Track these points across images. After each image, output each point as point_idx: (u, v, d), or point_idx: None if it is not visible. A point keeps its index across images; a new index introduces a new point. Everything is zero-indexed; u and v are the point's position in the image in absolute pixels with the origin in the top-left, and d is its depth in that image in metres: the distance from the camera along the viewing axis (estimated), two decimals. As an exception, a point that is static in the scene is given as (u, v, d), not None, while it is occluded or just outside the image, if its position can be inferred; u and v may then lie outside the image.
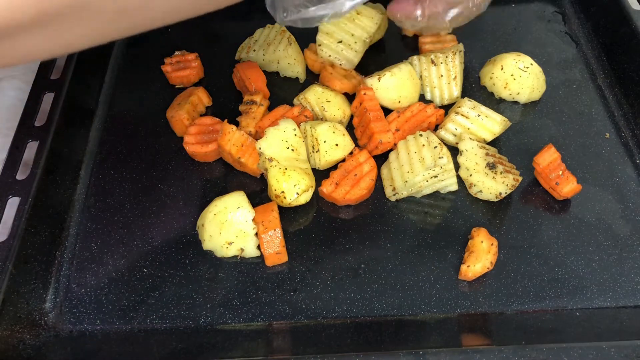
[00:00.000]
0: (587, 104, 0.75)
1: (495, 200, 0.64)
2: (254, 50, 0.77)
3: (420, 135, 0.64)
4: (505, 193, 0.63)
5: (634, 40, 0.74)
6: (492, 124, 0.67)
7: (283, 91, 0.75)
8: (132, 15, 0.36)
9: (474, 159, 0.64)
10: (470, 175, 0.64)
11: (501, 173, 0.63)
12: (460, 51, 0.73)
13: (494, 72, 0.74)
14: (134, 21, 0.38)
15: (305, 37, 0.76)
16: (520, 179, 0.63)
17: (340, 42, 0.73)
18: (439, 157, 0.61)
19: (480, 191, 0.64)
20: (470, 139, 0.66)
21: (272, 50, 0.76)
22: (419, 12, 0.59)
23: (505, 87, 0.73)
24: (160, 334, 0.56)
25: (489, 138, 0.68)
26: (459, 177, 0.65)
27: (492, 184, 0.63)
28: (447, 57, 0.72)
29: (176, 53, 0.78)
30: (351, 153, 0.66)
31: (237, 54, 0.79)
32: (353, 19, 0.73)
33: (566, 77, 0.77)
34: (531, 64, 0.73)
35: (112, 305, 0.58)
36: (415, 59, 0.73)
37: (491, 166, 0.63)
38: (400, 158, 0.64)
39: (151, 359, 0.54)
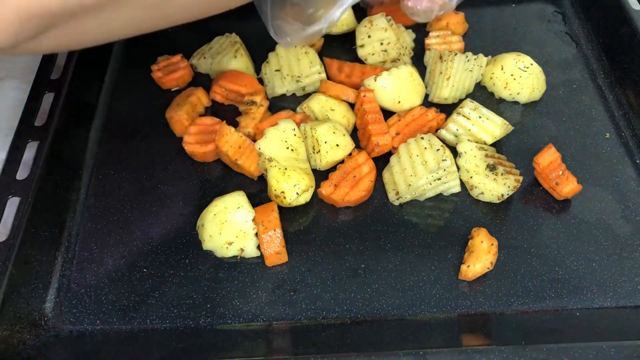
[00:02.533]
0: (587, 104, 0.75)
1: (498, 202, 0.64)
2: (204, 58, 0.76)
3: (422, 138, 0.64)
4: (507, 195, 0.63)
5: (634, 40, 0.74)
6: (493, 126, 0.67)
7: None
8: (160, 7, 0.45)
9: (473, 160, 0.64)
10: (471, 177, 0.64)
11: (502, 174, 0.63)
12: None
13: (494, 72, 0.74)
14: (162, 13, 0.46)
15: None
16: (520, 179, 0.63)
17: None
18: (443, 160, 0.61)
19: (482, 193, 0.64)
20: (469, 140, 0.65)
21: (218, 61, 0.75)
22: (436, 6, 0.64)
23: (505, 87, 0.73)
24: (160, 334, 0.56)
25: (490, 141, 0.67)
26: (460, 179, 0.65)
27: (493, 185, 0.62)
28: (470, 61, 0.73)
29: (159, 59, 0.77)
30: (350, 154, 0.66)
31: (190, 59, 0.78)
32: None
33: (566, 77, 0.77)
34: (531, 64, 0.73)
35: (112, 305, 0.58)
36: (446, 53, 0.72)
37: (491, 168, 0.63)
38: (402, 162, 0.64)
39: (151, 359, 0.54)
